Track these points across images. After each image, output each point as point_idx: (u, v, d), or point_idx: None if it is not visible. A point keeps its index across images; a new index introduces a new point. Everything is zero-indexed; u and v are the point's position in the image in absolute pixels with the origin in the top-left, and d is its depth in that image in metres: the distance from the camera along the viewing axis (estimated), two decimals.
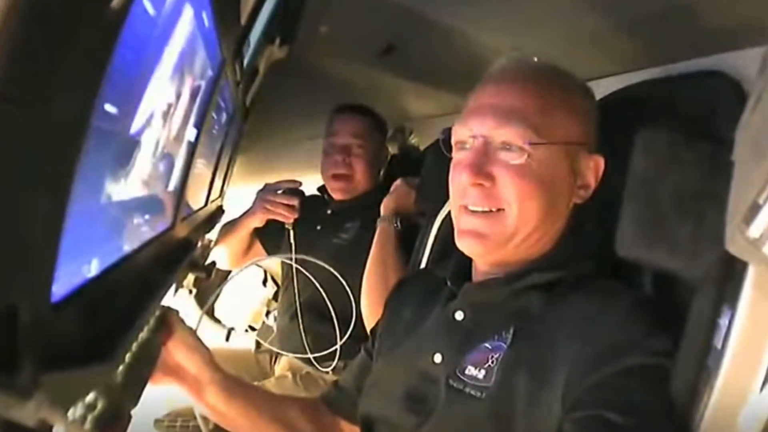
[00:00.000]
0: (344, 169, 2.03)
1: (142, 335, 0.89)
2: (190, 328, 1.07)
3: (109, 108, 0.49)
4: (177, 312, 1.07)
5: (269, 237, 2.09)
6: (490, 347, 0.90)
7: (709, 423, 0.72)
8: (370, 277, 1.69)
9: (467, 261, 1.03)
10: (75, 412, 0.70)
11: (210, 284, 2.47)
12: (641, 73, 1.15)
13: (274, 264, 2.56)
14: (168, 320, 1.03)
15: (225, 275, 2.26)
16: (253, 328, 2.73)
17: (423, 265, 1.50)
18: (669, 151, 0.83)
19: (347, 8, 1.43)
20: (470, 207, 0.93)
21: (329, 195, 2.13)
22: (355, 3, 1.37)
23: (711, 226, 0.75)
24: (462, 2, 1.22)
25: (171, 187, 0.95)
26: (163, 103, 0.71)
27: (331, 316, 1.90)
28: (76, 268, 0.54)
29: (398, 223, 1.72)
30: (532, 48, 1.27)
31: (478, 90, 0.96)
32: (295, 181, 2.01)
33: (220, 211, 2.05)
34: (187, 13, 0.68)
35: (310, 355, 1.93)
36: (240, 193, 2.47)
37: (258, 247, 2.12)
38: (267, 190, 2.00)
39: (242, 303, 2.73)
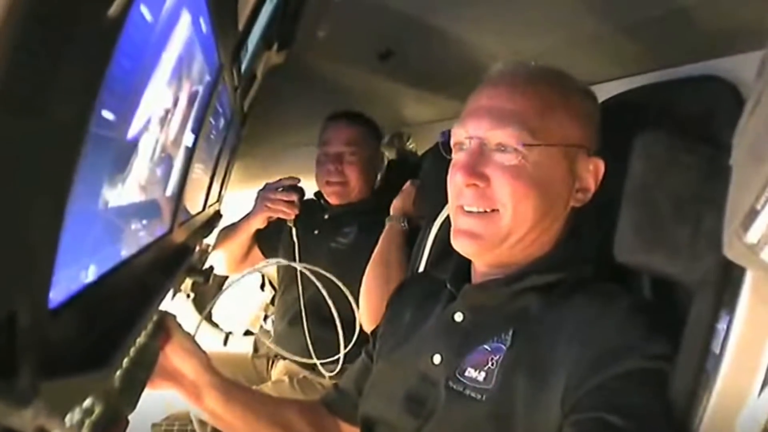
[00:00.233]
0: (337, 177, 2.04)
1: (140, 340, 0.88)
2: (188, 333, 1.07)
3: (107, 114, 0.49)
4: (175, 317, 1.07)
5: (267, 241, 2.09)
6: (489, 349, 0.90)
7: (707, 427, 0.71)
8: (372, 275, 1.69)
9: (467, 263, 1.03)
10: (72, 417, 0.70)
11: (208, 289, 2.48)
12: (640, 78, 1.15)
13: (272, 268, 2.56)
14: (166, 325, 1.03)
15: (222, 280, 2.26)
16: (250, 333, 2.73)
17: (421, 269, 1.50)
18: (667, 155, 0.83)
19: (345, 13, 1.43)
20: (466, 207, 0.94)
21: (325, 200, 2.13)
22: (353, 8, 1.37)
23: (709, 231, 0.75)
24: (460, 7, 1.23)
25: (169, 192, 0.95)
26: (160, 109, 0.71)
27: (332, 320, 1.90)
28: (74, 273, 0.54)
29: (406, 224, 1.73)
30: (531, 53, 1.28)
31: (477, 92, 0.97)
32: (294, 178, 2.01)
33: (218, 215, 2.05)
34: (185, 18, 0.68)
35: (316, 360, 1.92)
36: (238, 198, 2.47)
37: (256, 251, 2.12)
38: (267, 189, 2.01)
39: (240, 307, 2.73)
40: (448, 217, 1.37)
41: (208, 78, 0.95)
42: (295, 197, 1.97)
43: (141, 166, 0.70)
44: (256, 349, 2.46)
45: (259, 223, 2.01)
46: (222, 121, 1.39)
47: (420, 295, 1.13)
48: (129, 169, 0.65)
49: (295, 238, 2.00)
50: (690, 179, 0.80)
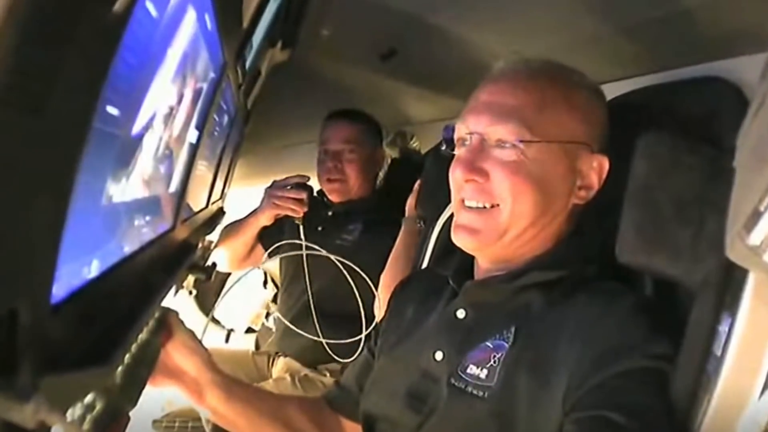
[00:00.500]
0: (337, 175, 2.06)
1: (142, 336, 0.89)
2: (190, 330, 1.07)
3: (111, 110, 0.49)
4: (177, 313, 1.07)
5: (269, 238, 2.09)
6: (491, 346, 0.90)
7: (708, 428, 0.71)
8: (390, 274, 1.70)
9: (470, 259, 1.04)
10: (74, 412, 0.71)
11: (210, 286, 2.48)
12: (642, 79, 1.15)
13: (274, 265, 2.56)
14: (168, 322, 1.03)
15: (225, 277, 2.26)
16: (252, 330, 2.73)
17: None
18: (670, 156, 0.83)
19: (349, 12, 1.44)
20: (466, 203, 0.95)
21: (328, 198, 2.14)
22: (357, 7, 1.37)
23: (711, 233, 0.75)
24: (463, 6, 1.23)
25: (172, 188, 0.95)
26: (165, 105, 0.71)
27: (339, 314, 1.90)
28: (76, 269, 0.54)
29: (422, 223, 1.73)
30: (533, 53, 1.27)
31: (479, 88, 0.97)
32: (303, 176, 2.01)
33: (220, 212, 2.05)
34: (190, 15, 0.68)
35: (322, 339, 1.92)
36: (241, 195, 2.47)
37: (259, 249, 2.12)
38: (275, 186, 2.01)
39: (242, 305, 2.73)
40: (450, 216, 1.37)
41: (212, 75, 0.95)
42: (304, 195, 1.97)
43: (144, 163, 0.70)
44: (257, 347, 2.46)
45: (266, 219, 2.01)
46: (225, 118, 1.39)
47: (423, 291, 1.13)
48: (132, 166, 0.65)
49: (303, 235, 2.00)
50: (692, 180, 0.80)
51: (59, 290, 0.48)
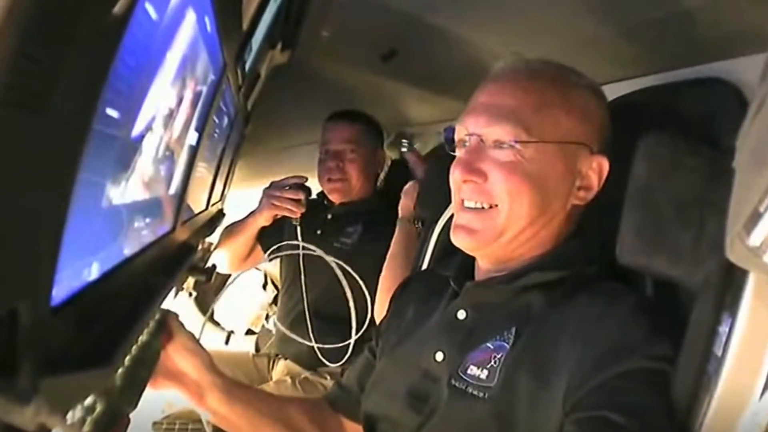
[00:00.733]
0: (338, 174, 2.06)
1: (142, 338, 0.88)
2: (190, 332, 1.07)
3: (111, 112, 0.49)
4: (177, 315, 1.07)
5: (269, 240, 2.09)
6: (492, 347, 0.90)
7: (708, 429, 0.71)
8: (388, 276, 1.69)
9: (470, 260, 1.04)
10: (74, 414, 0.70)
11: (210, 287, 2.48)
12: (642, 80, 1.15)
13: (274, 267, 2.56)
14: (168, 323, 1.03)
15: (224, 279, 2.26)
16: (252, 332, 2.73)
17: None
18: (671, 157, 0.83)
19: (349, 13, 1.44)
20: (465, 203, 0.95)
21: (328, 200, 2.14)
22: (357, 8, 1.37)
23: (712, 235, 0.75)
24: (463, 8, 1.23)
25: (172, 190, 0.95)
26: (165, 107, 0.71)
27: (336, 318, 1.90)
28: (77, 271, 0.54)
29: (419, 224, 1.73)
30: (533, 53, 1.27)
31: (479, 89, 0.98)
32: (301, 177, 2.02)
33: (220, 214, 2.05)
34: (190, 17, 0.68)
35: (314, 344, 1.93)
36: (241, 197, 2.47)
37: (259, 250, 2.12)
38: (274, 187, 2.02)
39: (242, 306, 2.73)
40: (450, 217, 1.37)
41: (212, 77, 0.95)
42: (301, 195, 1.98)
43: (145, 165, 0.70)
44: (257, 349, 2.46)
45: (264, 220, 2.01)
46: (225, 120, 1.39)
47: (424, 291, 1.13)
48: (133, 167, 0.65)
49: (300, 236, 2.00)
50: (693, 182, 0.80)
51: (59, 292, 0.48)
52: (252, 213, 2.04)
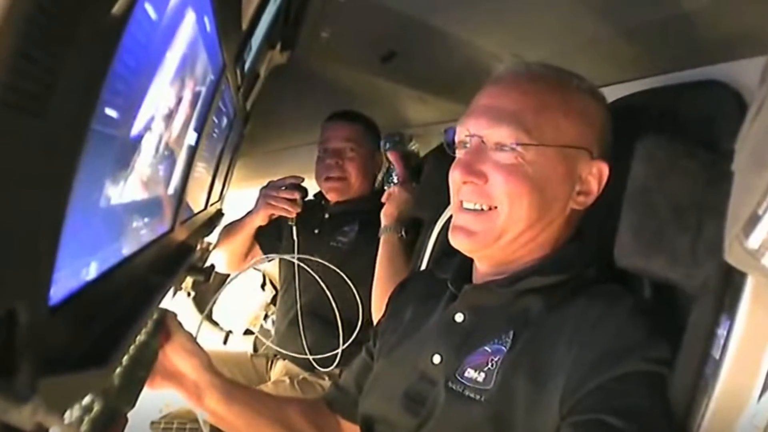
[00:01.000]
0: (338, 172, 2.06)
1: (140, 338, 0.88)
2: (189, 332, 1.07)
3: (110, 112, 0.49)
4: (175, 315, 1.06)
5: (267, 239, 2.10)
6: (489, 350, 0.90)
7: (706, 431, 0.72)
8: (383, 288, 1.66)
9: (468, 262, 1.04)
10: (72, 414, 0.70)
11: (208, 287, 2.48)
12: (641, 82, 1.15)
13: (273, 267, 2.56)
14: (166, 323, 1.03)
15: (223, 278, 2.26)
16: (250, 332, 2.73)
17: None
18: (669, 160, 0.83)
19: (349, 14, 1.44)
20: (464, 204, 0.95)
21: (326, 200, 2.15)
22: (357, 9, 1.37)
23: (710, 237, 0.75)
24: (463, 9, 1.23)
25: (171, 190, 0.95)
26: (164, 107, 0.71)
27: (333, 320, 1.90)
28: (75, 271, 0.54)
29: (403, 233, 1.71)
30: (533, 55, 1.27)
31: (480, 92, 0.98)
32: (297, 177, 2.02)
33: (219, 214, 2.05)
34: (189, 17, 0.68)
35: (309, 356, 1.93)
36: (240, 197, 2.47)
37: (257, 250, 2.13)
38: (270, 187, 2.03)
39: (240, 306, 2.73)
40: (449, 219, 1.37)
41: (211, 77, 0.95)
42: (297, 195, 1.99)
43: (143, 164, 0.70)
44: (255, 349, 2.46)
45: (260, 220, 2.02)
46: (225, 120, 1.39)
47: (422, 293, 1.13)
48: (131, 167, 0.65)
49: (296, 236, 2.01)
50: (691, 184, 0.80)
51: (58, 292, 0.48)
52: (249, 213, 2.05)
